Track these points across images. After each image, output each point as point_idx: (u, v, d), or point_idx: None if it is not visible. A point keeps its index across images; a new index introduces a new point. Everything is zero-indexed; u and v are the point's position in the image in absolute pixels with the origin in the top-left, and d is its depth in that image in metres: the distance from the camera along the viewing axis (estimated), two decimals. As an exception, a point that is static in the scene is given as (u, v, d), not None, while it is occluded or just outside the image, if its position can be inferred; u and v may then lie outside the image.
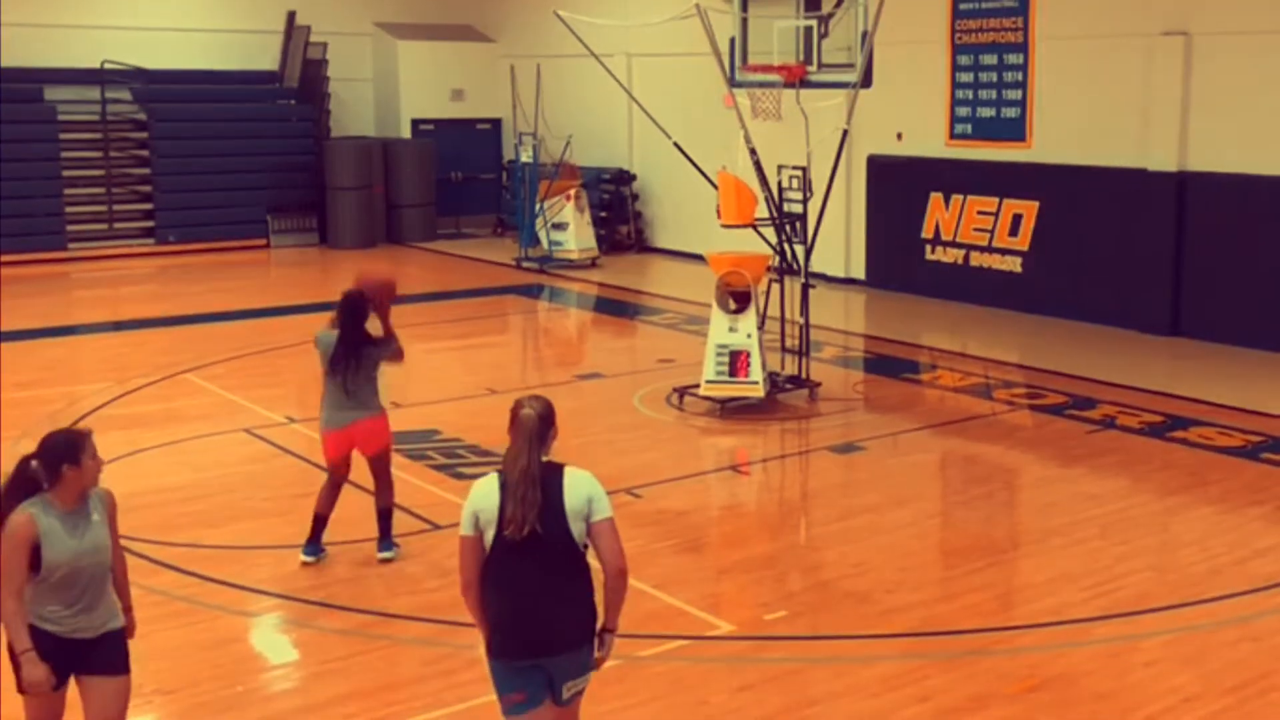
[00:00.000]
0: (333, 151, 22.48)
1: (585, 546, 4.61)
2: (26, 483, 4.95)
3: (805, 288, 12.04)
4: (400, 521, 8.71)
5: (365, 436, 7.91)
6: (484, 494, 4.56)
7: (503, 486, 4.52)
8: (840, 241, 17.97)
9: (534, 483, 4.48)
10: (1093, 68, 15.23)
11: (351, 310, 7.80)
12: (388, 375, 13.76)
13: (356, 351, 7.75)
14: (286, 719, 6.12)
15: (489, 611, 4.62)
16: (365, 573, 7.82)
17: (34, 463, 4.99)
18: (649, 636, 6.76)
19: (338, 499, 7.97)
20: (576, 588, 4.61)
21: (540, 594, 4.54)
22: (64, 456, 4.95)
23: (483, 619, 4.66)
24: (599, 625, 4.69)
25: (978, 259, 16.61)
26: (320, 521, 7.93)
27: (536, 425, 4.55)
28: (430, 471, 9.84)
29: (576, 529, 4.54)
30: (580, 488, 4.56)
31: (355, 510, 8.98)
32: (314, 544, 7.94)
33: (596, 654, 4.70)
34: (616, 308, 17.39)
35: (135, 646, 6.70)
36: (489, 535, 4.56)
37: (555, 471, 4.56)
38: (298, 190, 22.60)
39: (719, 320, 11.59)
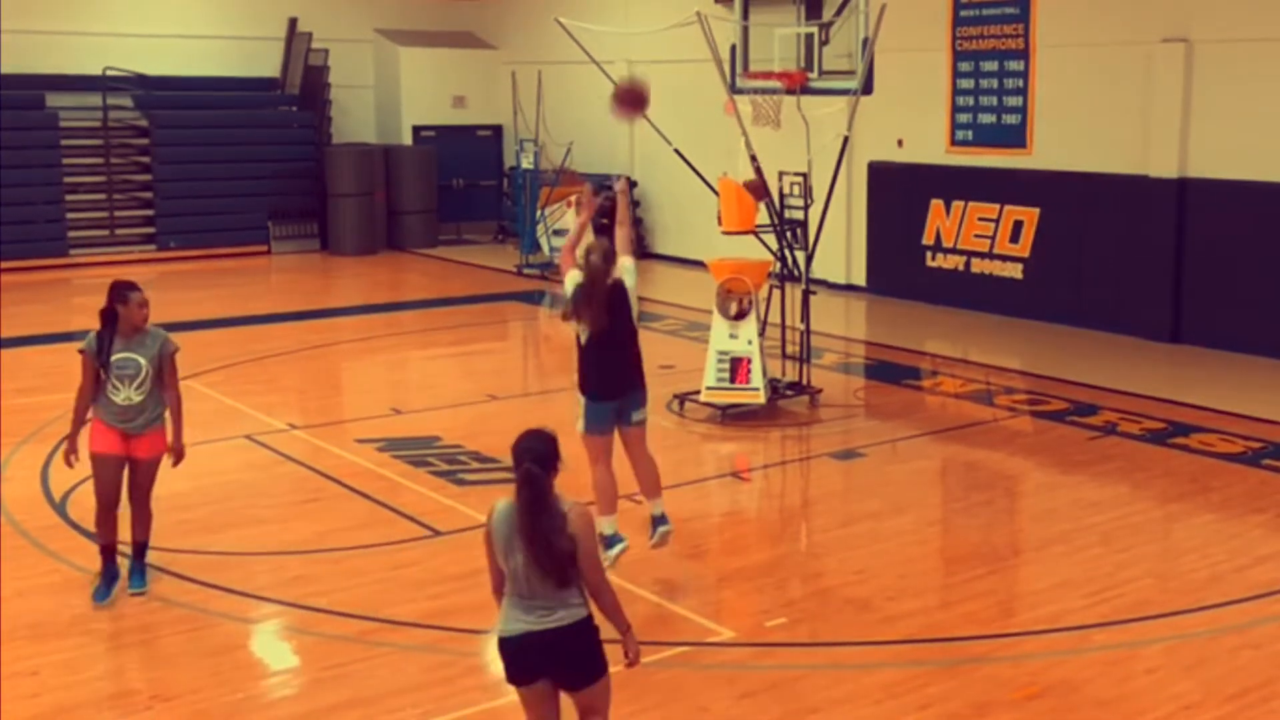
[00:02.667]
0: (334, 158, 22.50)
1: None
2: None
3: (806, 294, 12.05)
4: (402, 528, 8.73)
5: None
6: None
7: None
8: (841, 248, 17.98)
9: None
10: (1093, 75, 15.25)
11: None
12: (390, 379, 13.79)
13: None
14: (287, 726, 6.13)
15: None
16: (367, 579, 7.82)
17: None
18: (649, 643, 6.74)
19: None
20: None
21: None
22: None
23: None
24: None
25: (979, 265, 16.62)
26: None
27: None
28: (431, 478, 9.84)
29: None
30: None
31: (356, 517, 8.99)
32: None
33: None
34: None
35: (135, 654, 6.73)
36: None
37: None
38: (299, 197, 22.61)
39: (720, 327, 11.60)
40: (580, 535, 4.71)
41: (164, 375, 7.35)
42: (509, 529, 4.74)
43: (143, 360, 7.27)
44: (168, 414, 7.44)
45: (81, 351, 7.29)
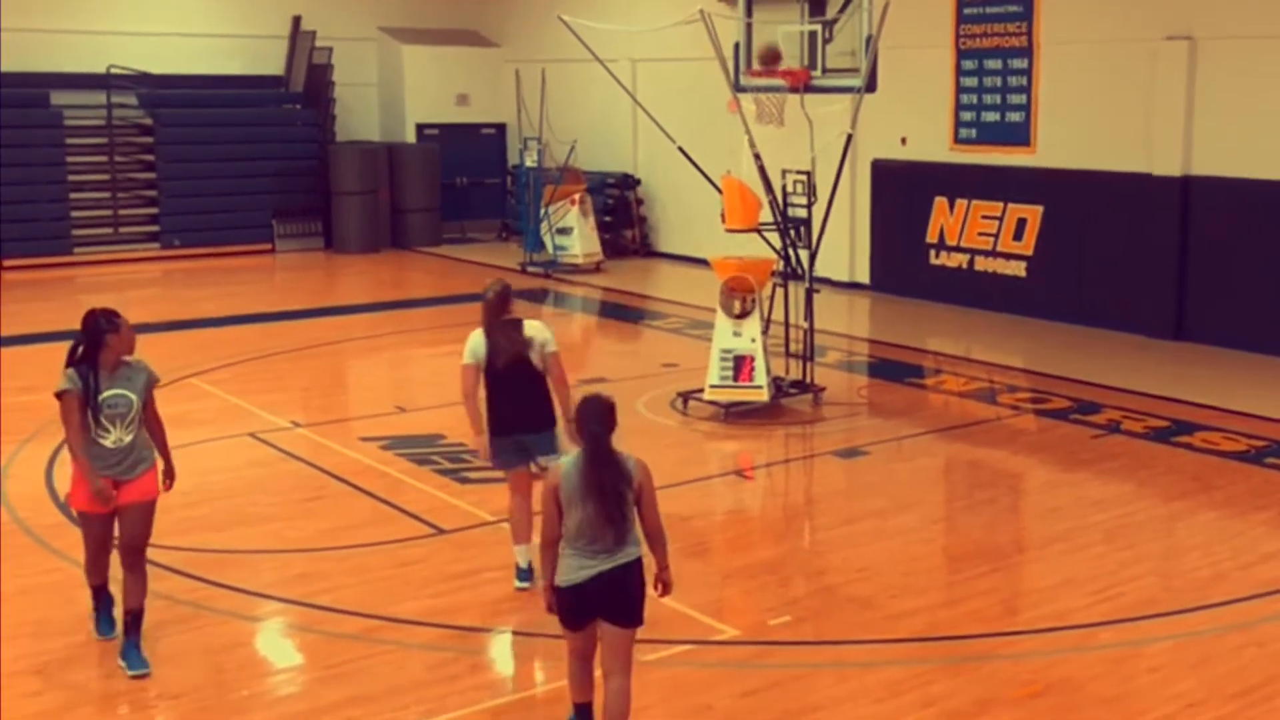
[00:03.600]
0: (338, 156, 22.51)
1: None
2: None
3: (809, 292, 12.04)
4: (405, 526, 8.74)
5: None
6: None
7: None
8: (844, 246, 17.97)
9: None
10: (1097, 72, 15.23)
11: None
12: (393, 377, 13.79)
13: None
14: (291, 723, 6.14)
15: None
16: (370, 577, 7.83)
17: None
18: (653, 641, 6.76)
19: None
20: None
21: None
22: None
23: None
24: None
25: (982, 263, 16.62)
26: None
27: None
28: (435, 476, 9.85)
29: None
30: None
31: (360, 515, 9.00)
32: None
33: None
34: (621, 312, 17.40)
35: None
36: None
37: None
38: (303, 195, 22.63)
39: (723, 325, 11.60)
40: (643, 483, 5.45)
41: (148, 408, 6.54)
42: (575, 484, 5.35)
43: (133, 396, 6.42)
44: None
45: (65, 393, 6.30)
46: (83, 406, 6.29)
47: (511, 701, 6.28)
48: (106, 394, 6.34)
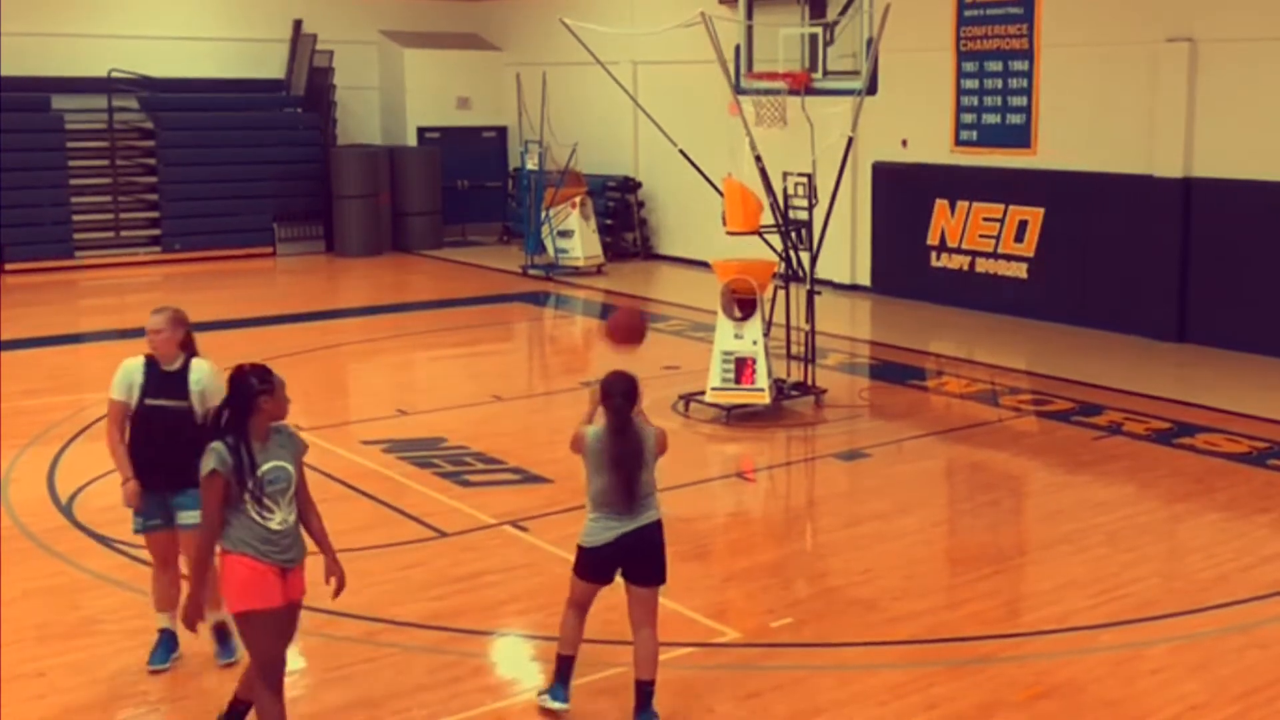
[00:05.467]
0: (339, 159, 22.52)
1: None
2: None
3: (811, 294, 12.05)
4: (407, 529, 8.73)
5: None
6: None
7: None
8: (846, 248, 17.98)
9: None
10: (1098, 74, 15.23)
11: None
12: (395, 381, 13.80)
13: None
14: (293, 727, 6.12)
15: None
16: (372, 580, 7.82)
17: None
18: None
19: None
20: None
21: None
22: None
23: None
24: None
25: (983, 265, 16.61)
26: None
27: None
28: (436, 479, 9.85)
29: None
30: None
31: (362, 518, 8.99)
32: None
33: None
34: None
35: (140, 654, 6.72)
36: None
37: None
38: (304, 198, 22.63)
39: (724, 327, 11.60)
40: (658, 451, 6.00)
41: (301, 485, 5.53)
42: (598, 454, 5.84)
43: (291, 467, 5.44)
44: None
45: (214, 474, 5.26)
46: (231, 488, 5.28)
47: (514, 705, 6.28)
48: (265, 467, 5.34)
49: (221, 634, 6.65)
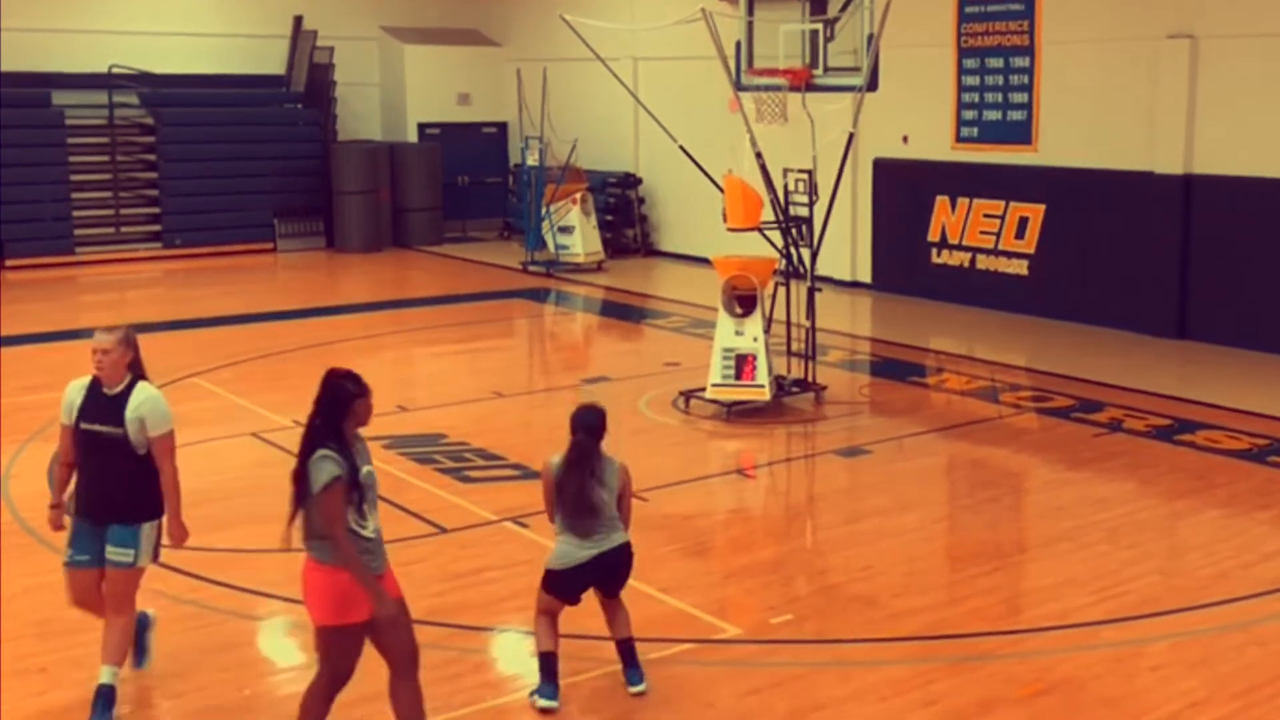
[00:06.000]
0: (339, 155, 22.51)
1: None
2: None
3: (811, 291, 12.04)
4: (407, 525, 8.73)
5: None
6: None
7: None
8: (846, 245, 17.97)
9: None
10: (1099, 71, 15.22)
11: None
12: (395, 377, 13.80)
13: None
14: (294, 723, 6.13)
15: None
16: (372, 576, 7.82)
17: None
18: (655, 640, 6.77)
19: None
20: None
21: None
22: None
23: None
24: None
25: (984, 262, 16.61)
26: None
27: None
28: (437, 475, 9.85)
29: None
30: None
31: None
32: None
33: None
34: (622, 311, 17.40)
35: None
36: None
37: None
38: (304, 194, 22.63)
39: (725, 324, 11.60)
40: (624, 487, 6.19)
41: None
42: (561, 484, 6.06)
43: (374, 471, 5.40)
44: None
45: (336, 480, 5.11)
46: (348, 494, 5.15)
47: (514, 700, 6.28)
48: (363, 472, 5.23)
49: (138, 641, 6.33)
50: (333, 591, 5.18)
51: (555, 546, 6.18)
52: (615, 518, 6.14)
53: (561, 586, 6.17)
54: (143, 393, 5.93)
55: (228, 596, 7.51)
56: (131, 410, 5.87)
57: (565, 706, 6.10)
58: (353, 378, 5.28)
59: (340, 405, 5.20)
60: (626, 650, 6.29)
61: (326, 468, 5.08)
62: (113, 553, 5.98)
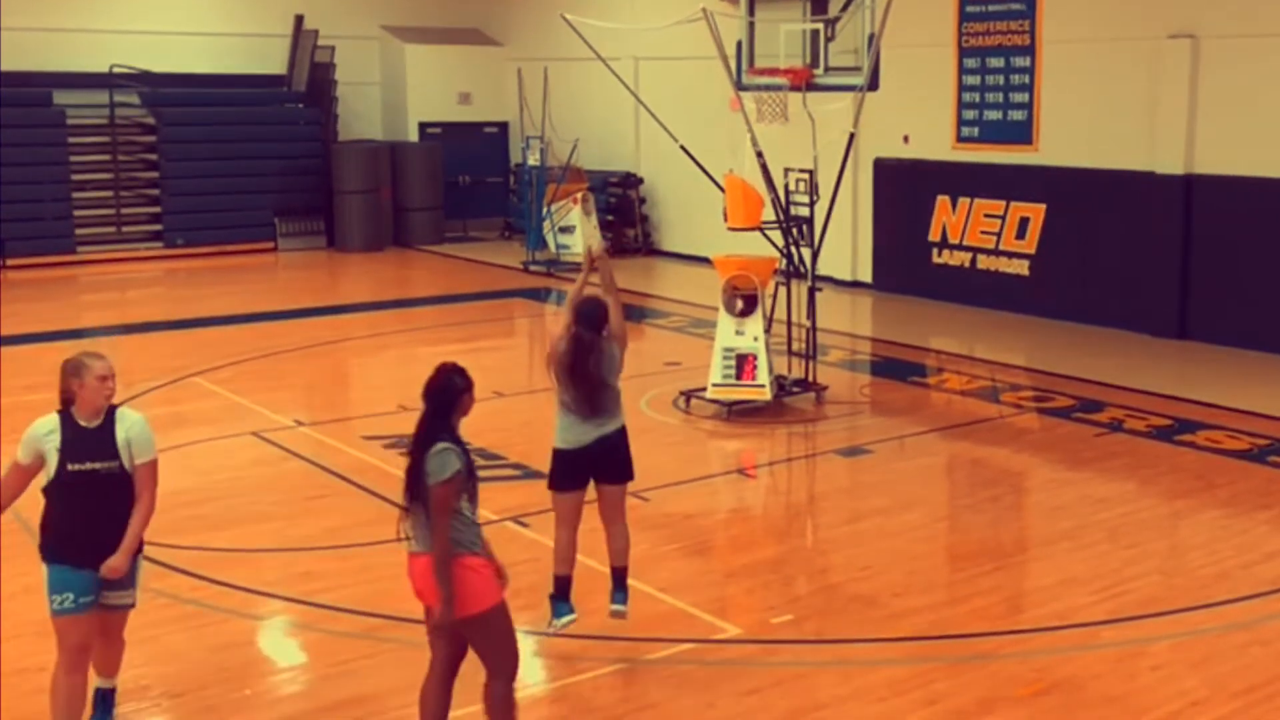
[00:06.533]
0: (340, 155, 22.52)
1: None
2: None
3: (812, 291, 12.04)
4: (407, 525, 8.72)
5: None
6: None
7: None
8: (847, 244, 17.97)
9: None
10: (1100, 71, 15.22)
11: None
12: (396, 376, 13.80)
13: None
14: (294, 722, 6.13)
15: None
16: (373, 576, 7.83)
17: None
18: (655, 640, 6.77)
19: None
20: None
21: None
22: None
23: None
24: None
25: (985, 262, 16.61)
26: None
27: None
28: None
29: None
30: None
31: (363, 513, 9.00)
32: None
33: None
34: (623, 311, 17.36)
35: (142, 650, 6.74)
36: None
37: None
38: (305, 193, 22.64)
39: (725, 323, 11.59)
40: (613, 329, 6.62)
41: None
42: (565, 368, 6.43)
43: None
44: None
45: (458, 473, 5.19)
46: (464, 490, 5.23)
47: (516, 699, 6.27)
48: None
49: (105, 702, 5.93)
50: (473, 579, 5.23)
51: (559, 430, 6.59)
52: (615, 405, 6.58)
53: (564, 471, 6.57)
54: (128, 418, 5.46)
55: (228, 596, 7.51)
56: (122, 439, 5.42)
57: (564, 705, 6.10)
58: (460, 371, 5.37)
59: (451, 398, 5.29)
60: (617, 577, 6.71)
61: (450, 461, 5.16)
62: (115, 597, 5.60)
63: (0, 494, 5.54)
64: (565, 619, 6.66)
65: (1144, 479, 9.82)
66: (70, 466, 5.35)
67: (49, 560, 5.52)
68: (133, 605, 5.73)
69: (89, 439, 5.37)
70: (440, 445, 5.17)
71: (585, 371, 6.47)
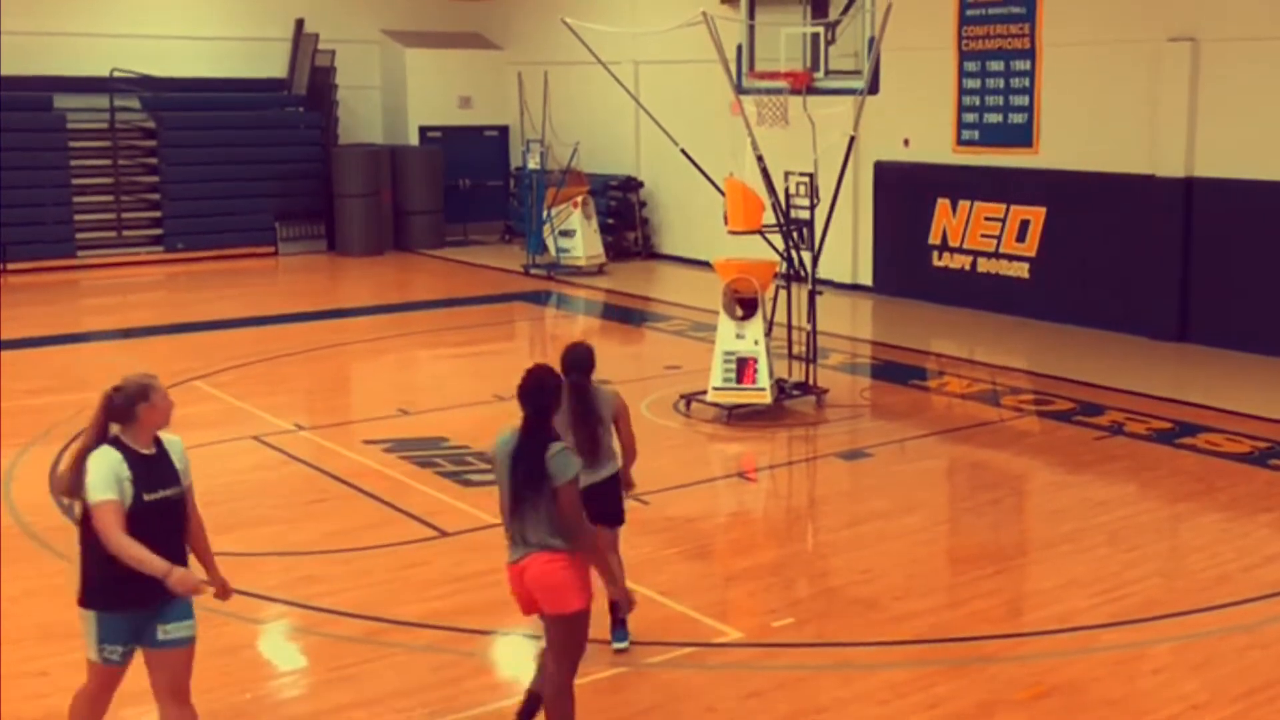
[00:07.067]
0: (341, 159, 22.53)
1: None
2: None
3: (812, 294, 12.05)
4: (408, 528, 8.74)
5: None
6: None
7: None
8: (847, 248, 17.97)
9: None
10: (1100, 74, 15.23)
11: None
12: (397, 380, 13.81)
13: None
14: (295, 726, 6.14)
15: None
16: (373, 580, 7.84)
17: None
18: (656, 644, 6.77)
19: None
20: None
21: None
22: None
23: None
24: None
25: (985, 265, 16.61)
26: None
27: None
28: (438, 479, 9.85)
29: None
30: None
31: (364, 517, 9.00)
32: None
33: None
34: (624, 314, 17.40)
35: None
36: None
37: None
38: (306, 197, 22.64)
39: (726, 327, 11.60)
40: (619, 411, 6.49)
41: None
42: (564, 413, 5.97)
43: None
44: None
45: (579, 473, 5.35)
46: None
47: (515, 704, 6.28)
48: None
49: None
50: (578, 576, 5.33)
51: None
52: (609, 450, 6.41)
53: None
54: (174, 443, 5.24)
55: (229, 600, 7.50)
56: (179, 463, 5.20)
57: (566, 709, 6.08)
58: (550, 371, 5.53)
59: (549, 398, 5.41)
60: (615, 613, 6.61)
61: (573, 461, 5.28)
62: (173, 630, 5.13)
63: (128, 539, 4.91)
64: (617, 645, 6.77)
65: (1144, 482, 9.82)
66: (146, 497, 5.00)
67: (105, 607, 5.03)
68: (194, 638, 5.23)
69: (154, 465, 5.09)
70: (559, 445, 5.28)
71: (587, 415, 6.29)
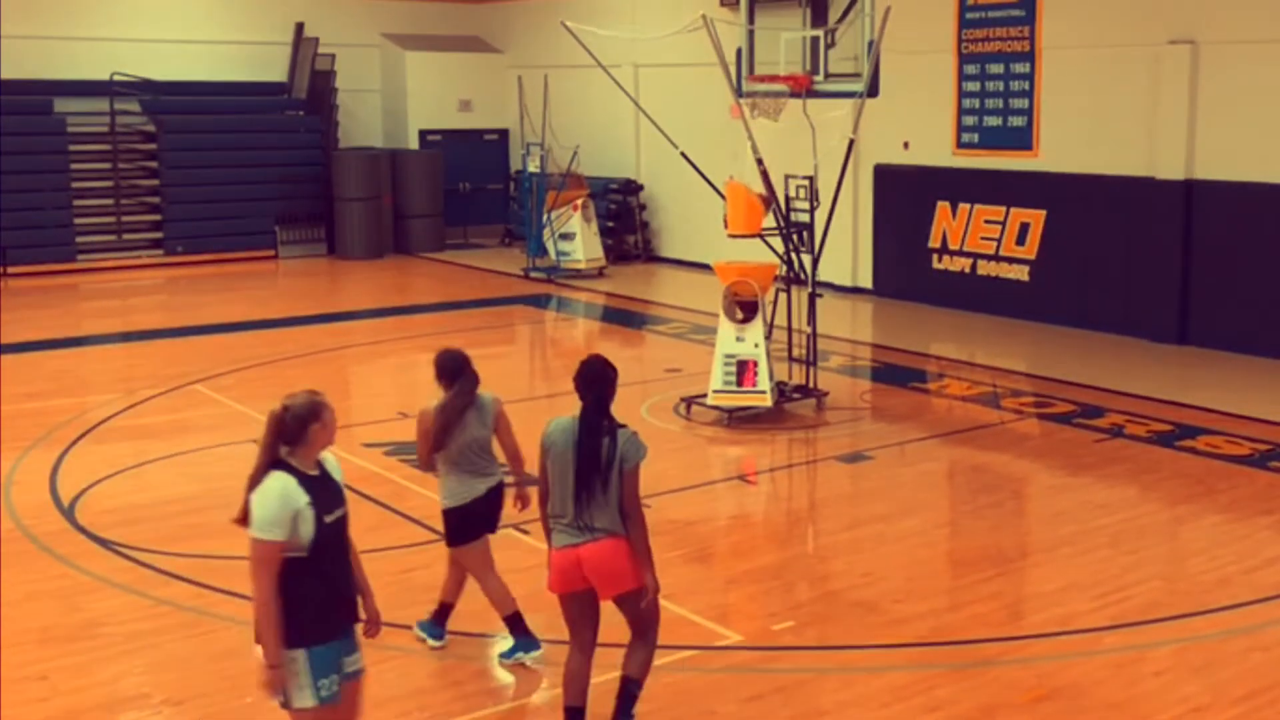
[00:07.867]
0: (341, 162, 22.54)
1: None
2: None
3: (812, 297, 12.05)
4: (409, 532, 8.73)
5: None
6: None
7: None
8: (847, 251, 17.98)
9: None
10: (1100, 76, 15.23)
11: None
12: (397, 383, 13.80)
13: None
14: (295, 730, 6.12)
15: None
16: (374, 583, 7.79)
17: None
18: (657, 646, 6.76)
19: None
20: None
21: None
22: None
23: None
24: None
25: (985, 268, 16.62)
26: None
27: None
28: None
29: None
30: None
31: (364, 521, 8.99)
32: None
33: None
34: (624, 317, 17.40)
35: (143, 658, 6.74)
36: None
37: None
38: (306, 201, 22.65)
39: (726, 330, 11.60)
40: (495, 420, 6.61)
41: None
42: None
43: None
44: None
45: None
46: None
47: (515, 708, 6.28)
48: None
49: None
50: (634, 561, 5.50)
51: (449, 487, 6.69)
52: (491, 458, 6.73)
53: (468, 524, 6.70)
54: (331, 460, 5.06)
55: (229, 603, 7.50)
56: (338, 479, 5.03)
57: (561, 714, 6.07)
58: (607, 361, 5.60)
59: (609, 386, 5.53)
60: (515, 621, 6.73)
61: (643, 446, 5.44)
62: (352, 662, 4.88)
63: (275, 593, 4.63)
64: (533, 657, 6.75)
65: (1145, 484, 9.82)
66: (326, 519, 4.76)
67: (312, 642, 4.66)
68: (364, 670, 4.98)
69: (324, 485, 4.88)
70: (629, 430, 5.45)
71: (455, 418, 6.63)
